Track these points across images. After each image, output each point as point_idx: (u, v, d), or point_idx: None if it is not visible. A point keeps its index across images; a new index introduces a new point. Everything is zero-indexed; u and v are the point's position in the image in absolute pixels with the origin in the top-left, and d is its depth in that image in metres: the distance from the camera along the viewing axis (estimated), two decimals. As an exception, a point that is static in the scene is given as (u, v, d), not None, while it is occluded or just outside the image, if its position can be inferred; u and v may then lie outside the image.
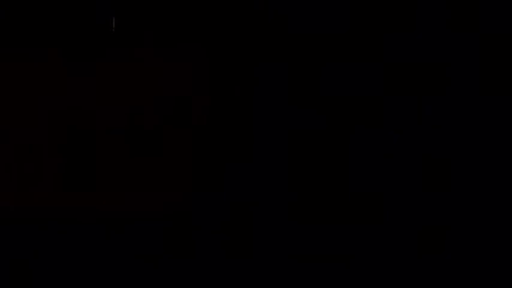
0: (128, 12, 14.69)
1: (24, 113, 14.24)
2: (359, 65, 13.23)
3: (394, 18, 12.82)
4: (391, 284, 6.27)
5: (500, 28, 11.95)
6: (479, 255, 7.33)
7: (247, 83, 15.02)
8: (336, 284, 6.26)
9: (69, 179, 11.02)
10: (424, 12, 12.53)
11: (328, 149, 13.73)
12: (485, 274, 6.58)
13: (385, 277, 6.44)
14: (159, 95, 14.34)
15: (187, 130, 14.61)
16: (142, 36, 15.30)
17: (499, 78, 12.11)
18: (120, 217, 10.38)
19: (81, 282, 6.09)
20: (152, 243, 7.98)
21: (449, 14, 12.25)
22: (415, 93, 12.82)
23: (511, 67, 12.02)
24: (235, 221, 9.89)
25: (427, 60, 12.71)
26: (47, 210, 10.42)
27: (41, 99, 14.56)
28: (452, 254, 7.49)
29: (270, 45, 14.94)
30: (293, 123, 14.53)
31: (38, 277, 6.20)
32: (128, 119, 13.24)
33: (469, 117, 12.31)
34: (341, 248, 7.92)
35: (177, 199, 10.68)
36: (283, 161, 14.22)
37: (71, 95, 14.60)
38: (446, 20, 12.30)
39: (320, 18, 13.58)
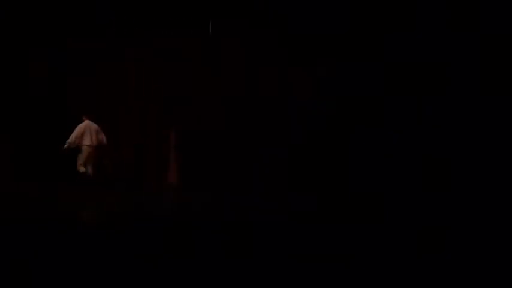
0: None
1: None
2: (359, 65, 13.13)
3: (394, 18, 12.74)
4: (390, 284, 6.26)
5: (500, 28, 11.88)
6: (479, 255, 7.31)
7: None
8: (336, 284, 6.25)
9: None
10: (424, 12, 12.45)
11: (328, 148, 13.60)
12: (485, 274, 6.57)
13: (384, 277, 6.44)
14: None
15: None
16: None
17: (499, 78, 12.02)
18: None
19: (81, 282, 6.09)
20: (152, 243, 7.96)
21: (449, 14, 12.17)
22: (415, 93, 12.73)
23: (511, 67, 11.94)
24: (236, 221, 9.86)
25: (427, 60, 12.61)
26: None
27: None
28: (452, 254, 7.48)
29: (270, 45, 14.75)
30: (293, 123, 14.35)
31: (38, 276, 6.21)
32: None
33: (469, 117, 12.23)
34: (341, 248, 7.91)
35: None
36: (283, 161, 14.06)
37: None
38: (446, 20, 12.22)
39: (320, 19, 13.48)
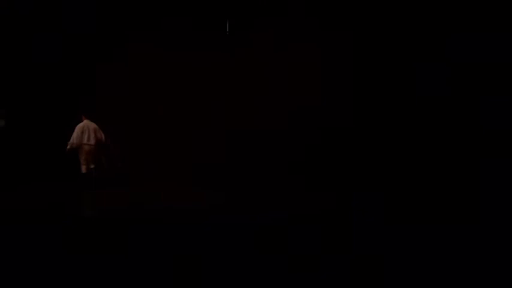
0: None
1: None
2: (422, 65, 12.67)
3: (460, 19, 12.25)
4: (393, 285, 6.25)
5: None
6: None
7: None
8: (336, 284, 6.25)
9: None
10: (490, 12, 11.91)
11: (336, 147, 13.34)
12: (485, 274, 6.55)
13: (386, 277, 6.43)
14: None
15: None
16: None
17: None
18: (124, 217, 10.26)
19: (81, 282, 6.10)
20: (152, 243, 7.96)
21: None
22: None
23: None
24: (235, 221, 9.84)
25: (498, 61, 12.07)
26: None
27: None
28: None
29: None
30: (296, 123, 14.23)
31: (38, 276, 6.22)
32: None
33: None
34: (341, 248, 7.89)
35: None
36: (287, 160, 13.82)
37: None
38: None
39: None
